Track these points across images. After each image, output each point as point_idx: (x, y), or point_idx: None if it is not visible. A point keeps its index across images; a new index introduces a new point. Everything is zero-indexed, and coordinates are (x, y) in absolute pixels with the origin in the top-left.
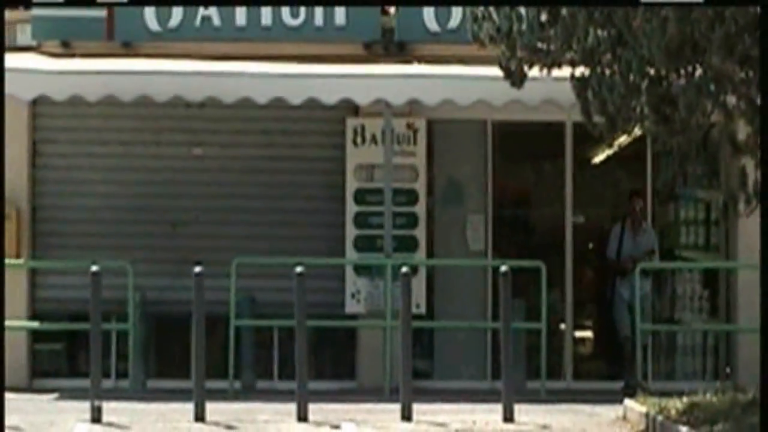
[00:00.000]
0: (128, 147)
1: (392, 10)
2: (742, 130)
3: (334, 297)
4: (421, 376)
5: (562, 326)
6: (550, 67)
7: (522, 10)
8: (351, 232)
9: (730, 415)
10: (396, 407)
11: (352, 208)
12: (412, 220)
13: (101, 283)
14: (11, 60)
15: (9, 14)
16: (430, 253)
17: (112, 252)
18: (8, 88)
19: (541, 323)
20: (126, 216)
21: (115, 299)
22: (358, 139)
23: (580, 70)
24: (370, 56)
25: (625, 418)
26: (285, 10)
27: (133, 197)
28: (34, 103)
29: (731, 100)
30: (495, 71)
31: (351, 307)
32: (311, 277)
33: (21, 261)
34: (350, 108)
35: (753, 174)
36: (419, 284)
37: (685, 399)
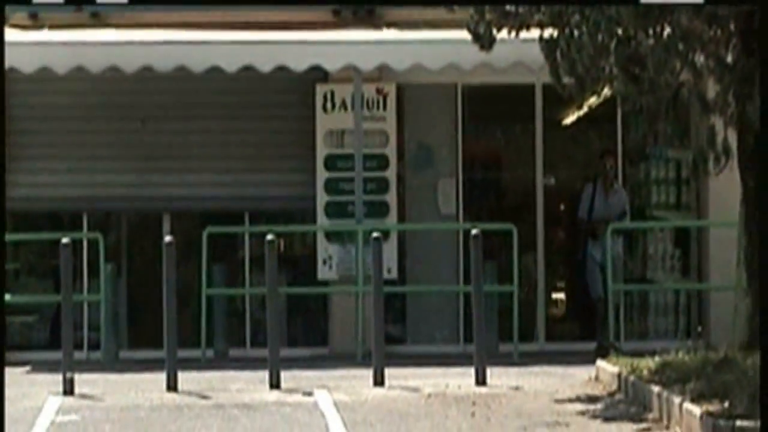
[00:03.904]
0: None
1: None
2: (711, 89)
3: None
4: (394, 341)
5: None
6: (518, 30)
7: None
8: (322, 198)
9: (701, 373)
10: (368, 373)
11: (322, 174)
12: (382, 185)
13: (71, 256)
14: None
15: None
16: (401, 218)
17: (82, 149)
18: None
19: (513, 286)
20: (94, 112)
21: (85, 197)
22: (328, 105)
23: (549, 32)
24: (338, 22)
25: (597, 378)
26: None
27: (102, 93)
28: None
29: (700, 58)
30: (464, 35)
31: (323, 273)
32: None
33: None
34: (320, 74)
35: (722, 133)
36: (390, 249)
37: (656, 358)
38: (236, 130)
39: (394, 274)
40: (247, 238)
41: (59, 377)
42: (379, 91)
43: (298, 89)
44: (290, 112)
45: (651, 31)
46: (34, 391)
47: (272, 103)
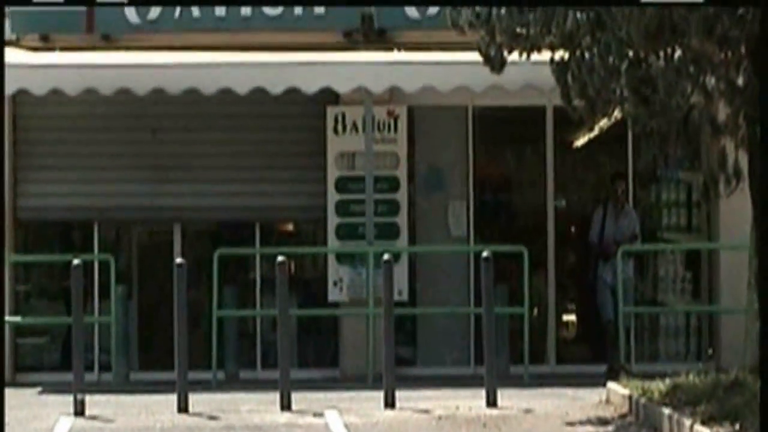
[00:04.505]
0: None
1: None
2: (722, 111)
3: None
4: (404, 363)
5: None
6: (529, 52)
7: None
8: (332, 220)
9: (712, 396)
10: (379, 394)
11: (333, 196)
12: (393, 207)
13: (82, 277)
14: None
15: None
16: (411, 240)
17: (93, 159)
18: None
19: (523, 308)
20: (106, 123)
21: (96, 207)
22: (339, 127)
23: (560, 54)
24: (349, 44)
25: (608, 401)
26: None
27: (113, 104)
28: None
29: (711, 81)
30: (475, 57)
31: (333, 295)
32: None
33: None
34: (331, 96)
35: (733, 155)
36: (401, 271)
37: (667, 381)
38: (247, 149)
39: (405, 296)
40: (258, 258)
41: (70, 399)
42: (390, 113)
43: (309, 111)
44: (301, 134)
45: (662, 54)
46: (45, 413)
47: (283, 124)
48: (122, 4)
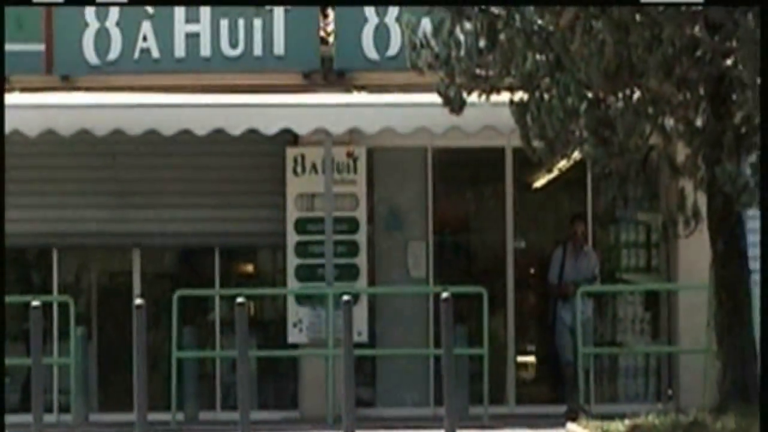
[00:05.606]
0: None
1: (331, 39)
2: (681, 152)
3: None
4: (364, 404)
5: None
6: (489, 93)
7: (460, 36)
8: (292, 261)
9: None
10: None
11: (292, 237)
12: (353, 248)
13: (41, 320)
14: None
15: None
16: (371, 281)
17: (52, 185)
18: None
19: (483, 349)
20: (65, 148)
21: (54, 233)
22: (299, 169)
23: (519, 95)
24: (309, 85)
25: None
26: (224, 41)
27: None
28: None
29: (669, 122)
30: (434, 98)
31: (293, 336)
32: None
33: None
34: (290, 137)
35: (692, 196)
36: (361, 312)
37: (627, 421)
38: (206, 188)
39: (365, 337)
40: (217, 299)
41: None
42: (349, 155)
43: (268, 152)
44: (261, 175)
45: (621, 95)
46: None
47: (243, 165)
48: (121, 4)
